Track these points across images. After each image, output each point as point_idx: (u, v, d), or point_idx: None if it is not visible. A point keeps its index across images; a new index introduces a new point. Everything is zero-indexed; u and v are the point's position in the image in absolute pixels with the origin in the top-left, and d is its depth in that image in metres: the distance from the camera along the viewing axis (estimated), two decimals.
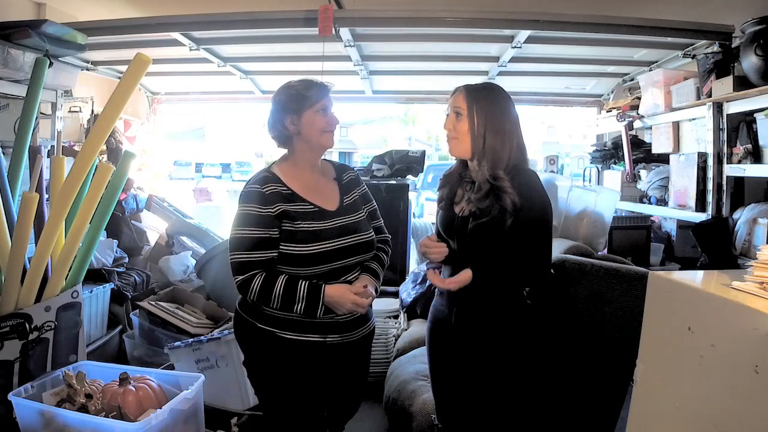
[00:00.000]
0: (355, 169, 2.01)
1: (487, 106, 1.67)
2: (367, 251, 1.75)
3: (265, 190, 1.64)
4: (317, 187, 1.74)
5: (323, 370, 1.69)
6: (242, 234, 1.61)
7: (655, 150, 3.61)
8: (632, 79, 4.13)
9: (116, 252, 3.69)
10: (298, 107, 1.67)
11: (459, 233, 1.71)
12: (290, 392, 1.67)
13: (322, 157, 1.82)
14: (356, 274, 1.72)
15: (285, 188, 1.67)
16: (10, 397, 1.83)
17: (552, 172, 4.68)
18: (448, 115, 1.73)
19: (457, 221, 1.72)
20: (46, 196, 2.45)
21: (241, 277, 1.60)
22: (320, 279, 1.63)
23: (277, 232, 1.62)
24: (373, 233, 1.78)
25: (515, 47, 3.36)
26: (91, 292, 3.01)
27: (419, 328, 3.08)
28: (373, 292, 1.70)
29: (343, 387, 1.79)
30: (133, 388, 1.85)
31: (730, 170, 2.83)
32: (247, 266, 1.59)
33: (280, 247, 1.62)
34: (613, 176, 3.95)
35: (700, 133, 3.06)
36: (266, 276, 1.59)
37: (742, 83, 2.66)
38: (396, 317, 3.41)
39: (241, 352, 1.77)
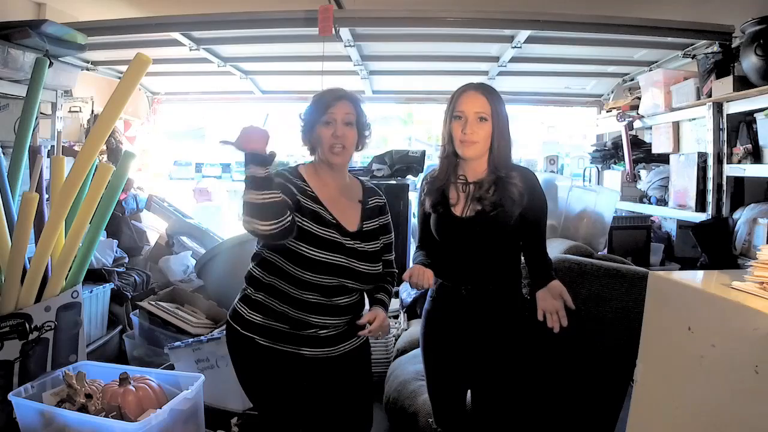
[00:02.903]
0: (369, 183, 1.85)
1: (502, 108, 1.69)
2: (367, 283, 1.68)
3: (292, 177, 1.62)
4: (339, 202, 1.67)
5: (302, 384, 1.64)
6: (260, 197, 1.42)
7: (655, 150, 3.61)
8: (632, 79, 4.12)
9: (116, 252, 3.69)
10: (313, 120, 1.64)
11: (465, 234, 1.70)
12: (269, 401, 1.65)
13: (352, 176, 1.77)
14: (347, 299, 1.65)
15: (309, 189, 1.63)
16: (10, 397, 1.83)
17: (552, 172, 4.67)
18: (462, 119, 1.66)
19: (462, 222, 1.70)
20: (46, 196, 2.45)
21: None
22: (312, 289, 1.58)
23: (293, 205, 1.53)
24: (380, 267, 1.72)
25: (515, 47, 3.36)
26: (91, 292, 3.01)
27: (419, 328, 3.07)
28: (369, 326, 1.61)
29: (326, 406, 1.69)
30: (133, 388, 1.85)
31: (730, 170, 2.83)
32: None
33: (289, 243, 1.54)
34: (613, 176, 3.95)
35: (700, 133, 3.06)
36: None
37: (742, 83, 2.66)
38: (396, 317, 3.41)
39: None
